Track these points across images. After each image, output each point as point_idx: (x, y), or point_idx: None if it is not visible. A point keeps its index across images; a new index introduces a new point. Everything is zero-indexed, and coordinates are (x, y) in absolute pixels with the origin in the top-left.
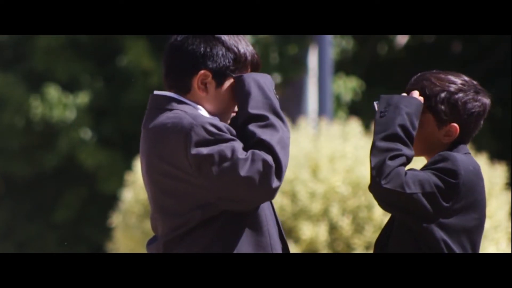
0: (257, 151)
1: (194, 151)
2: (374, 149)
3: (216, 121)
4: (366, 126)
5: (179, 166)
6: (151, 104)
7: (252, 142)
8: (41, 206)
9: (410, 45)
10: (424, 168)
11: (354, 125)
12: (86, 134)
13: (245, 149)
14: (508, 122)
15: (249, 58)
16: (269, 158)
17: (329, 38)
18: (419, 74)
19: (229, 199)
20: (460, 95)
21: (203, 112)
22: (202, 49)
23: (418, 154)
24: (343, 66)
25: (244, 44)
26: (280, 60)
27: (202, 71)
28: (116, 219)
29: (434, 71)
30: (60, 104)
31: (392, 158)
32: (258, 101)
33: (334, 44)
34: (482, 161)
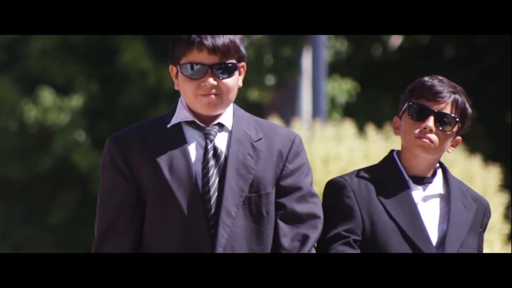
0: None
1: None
2: None
3: (117, 142)
4: (360, 128)
5: None
6: None
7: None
8: (36, 208)
9: (404, 47)
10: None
11: (348, 127)
12: (81, 136)
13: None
14: (502, 124)
15: (180, 41)
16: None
17: (323, 40)
18: (420, 78)
19: None
20: (470, 109)
21: (180, 105)
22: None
23: (432, 152)
24: (337, 67)
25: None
26: (274, 61)
27: (170, 65)
28: None
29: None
30: (54, 107)
31: None
32: None
33: (328, 46)
34: (476, 162)
